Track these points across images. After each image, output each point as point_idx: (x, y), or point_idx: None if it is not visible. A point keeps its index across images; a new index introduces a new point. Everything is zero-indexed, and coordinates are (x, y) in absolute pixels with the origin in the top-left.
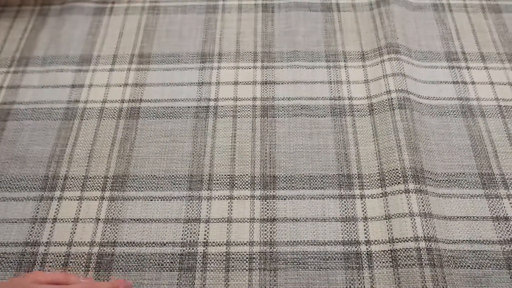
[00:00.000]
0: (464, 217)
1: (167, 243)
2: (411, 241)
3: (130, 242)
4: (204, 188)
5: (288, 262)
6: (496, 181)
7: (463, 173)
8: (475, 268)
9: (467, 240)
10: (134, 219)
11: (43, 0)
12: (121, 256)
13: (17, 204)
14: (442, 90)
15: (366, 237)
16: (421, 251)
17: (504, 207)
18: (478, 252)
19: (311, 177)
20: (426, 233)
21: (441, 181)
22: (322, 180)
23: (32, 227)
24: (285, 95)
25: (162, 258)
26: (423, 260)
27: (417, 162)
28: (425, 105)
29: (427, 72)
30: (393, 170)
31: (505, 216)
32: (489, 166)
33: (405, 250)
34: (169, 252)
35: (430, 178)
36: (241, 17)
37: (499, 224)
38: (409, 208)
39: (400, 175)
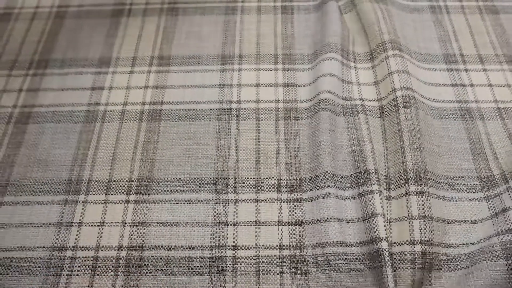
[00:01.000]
0: (462, 220)
1: (195, 246)
2: (407, 244)
3: (158, 246)
4: (230, 191)
5: (319, 264)
6: (496, 181)
7: (462, 177)
8: (469, 267)
9: (464, 244)
10: (161, 223)
11: (60, 1)
12: (150, 260)
13: (41, 208)
14: (441, 93)
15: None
16: (416, 254)
17: (504, 201)
18: (474, 252)
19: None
20: (423, 237)
21: (441, 183)
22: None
23: (58, 231)
24: (307, 97)
25: (192, 262)
26: (416, 263)
27: (420, 163)
28: (427, 106)
29: (426, 75)
30: (398, 173)
31: (503, 208)
32: (488, 169)
33: (400, 254)
34: (198, 255)
35: (433, 180)
36: (260, 19)
37: (497, 219)
38: (408, 211)
39: (402, 178)
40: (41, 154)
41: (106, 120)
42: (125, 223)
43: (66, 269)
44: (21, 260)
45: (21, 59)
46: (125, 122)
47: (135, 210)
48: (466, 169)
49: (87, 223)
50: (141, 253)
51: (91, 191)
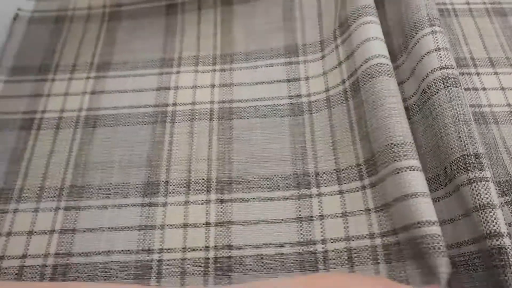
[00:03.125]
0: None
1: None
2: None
3: None
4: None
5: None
6: None
7: None
8: None
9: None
10: None
11: None
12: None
13: (274, 204)
14: None
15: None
16: None
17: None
18: None
19: None
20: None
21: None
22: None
23: (301, 226)
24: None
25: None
26: None
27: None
28: None
29: None
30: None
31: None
32: (506, 173)
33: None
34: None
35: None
36: None
37: None
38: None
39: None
40: (257, 150)
41: (314, 111)
42: (369, 209)
43: (321, 262)
44: (272, 256)
45: (202, 54)
46: (333, 108)
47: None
48: None
49: (328, 215)
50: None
51: (322, 184)
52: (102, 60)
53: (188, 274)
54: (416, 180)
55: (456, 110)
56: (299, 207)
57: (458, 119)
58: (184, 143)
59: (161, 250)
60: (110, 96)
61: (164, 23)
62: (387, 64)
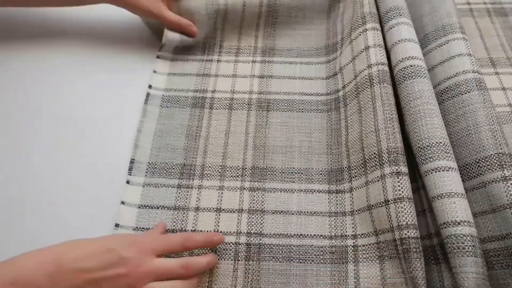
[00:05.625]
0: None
1: None
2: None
3: None
4: None
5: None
6: None
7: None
8: None
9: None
10: None
11: None
12: None
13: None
14: None
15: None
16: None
17: None
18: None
19: None
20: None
21: None
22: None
23: None
24: None
25: None
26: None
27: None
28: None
29: None
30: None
31: None
32: None
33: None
34: None
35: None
36: None
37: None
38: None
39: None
40: None
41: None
42: (424, 210)
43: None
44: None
45: None
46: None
47: None
48: None
49: None
50: None
51: None
52: (265, 45)
53: (386, 258)
54: (442, 181)
55: (489, 111)
56: None
57: (492, 120)
58: (357, 127)
59: (355, 236)
60: (279, 82)
61: (326, 6)
62: (418, 66)
